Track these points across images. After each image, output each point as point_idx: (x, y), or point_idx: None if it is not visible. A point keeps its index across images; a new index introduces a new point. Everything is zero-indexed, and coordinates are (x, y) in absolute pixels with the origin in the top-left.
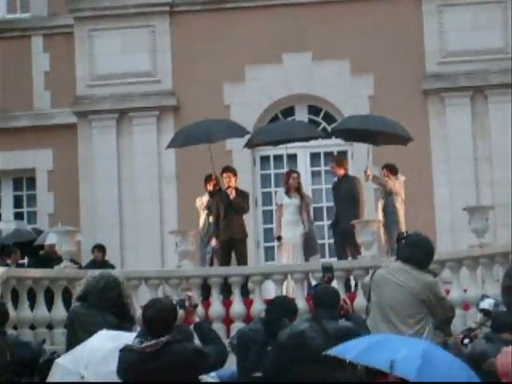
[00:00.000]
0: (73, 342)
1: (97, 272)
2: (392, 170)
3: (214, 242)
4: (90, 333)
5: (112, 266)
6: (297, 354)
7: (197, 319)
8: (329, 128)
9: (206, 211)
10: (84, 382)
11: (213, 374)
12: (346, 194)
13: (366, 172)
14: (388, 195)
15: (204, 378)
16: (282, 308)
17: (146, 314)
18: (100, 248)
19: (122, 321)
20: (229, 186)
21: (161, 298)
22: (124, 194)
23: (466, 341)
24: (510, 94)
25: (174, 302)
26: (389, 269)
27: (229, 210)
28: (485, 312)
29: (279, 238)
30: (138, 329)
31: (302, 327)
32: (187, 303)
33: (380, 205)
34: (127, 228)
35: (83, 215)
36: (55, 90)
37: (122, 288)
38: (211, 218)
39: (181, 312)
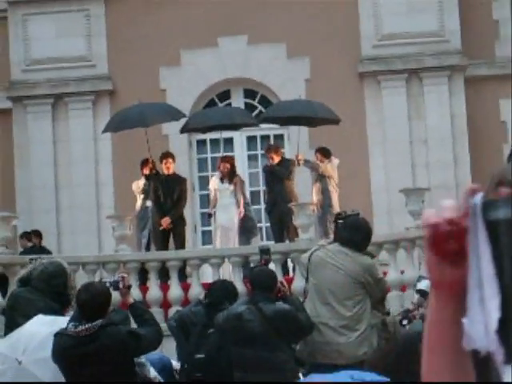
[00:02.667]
0: (11, 326)
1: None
2: (325, 153)
3: (166, 223)
4: (30, 317)
5: (49, 252)
6: (235, 337)
7: (131, 300)
8: (263, 113)
9: (142, 195)
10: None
11: (143, 358)
12: (282, 177)
13: (297, 157)
14: (321, 178)
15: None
16: (223, 291)
17: (79, 298)
18: (36, 234)
19: (63, 308)
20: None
21: (94, 281)
22: (60, 179)
23: (405, 322)
24: (445, 77)
25: (108, 284)
26: (327, 251)
27: (167, 194)
28: (421, 293)
29: (210, 216)
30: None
31: (239, 310)
32: (121, 284)
33: (315, 188)
34: (64, 213)
35: (19, 201)
36: None
37: (69, 278)
38: (148, 202)
39: (116, 294)
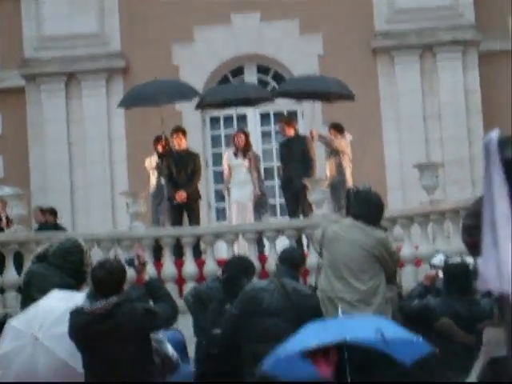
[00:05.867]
0: (27, 302)
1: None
2: (338, 129)
3: (181, 197)
4: (46, 293)
5: (64, 229)
6: (252, 308)
7: (147, 277)
8: (277, 88)
9: (156, 173)
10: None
11: (160, 335)
12: (299, 154)
13: (311, 133)
14: (335, 154)
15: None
16: (240, 266)
17: (94, 275)
18: (51, 211)
19: (79, 284)
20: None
21: (109, 258)
22: (74, 157)
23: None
24: (459, 51)
25: (123, 261)
26: (340, 225)
27: (180, 169)
28: (435, 267)
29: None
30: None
31: (262, 283)
32: (136, 261)
33: (329, 164)
34: (78, 191)
35: (33, 179)
36: (2, 53)
37: (85, 255)
38: (162, 180)
39: (131, 271)
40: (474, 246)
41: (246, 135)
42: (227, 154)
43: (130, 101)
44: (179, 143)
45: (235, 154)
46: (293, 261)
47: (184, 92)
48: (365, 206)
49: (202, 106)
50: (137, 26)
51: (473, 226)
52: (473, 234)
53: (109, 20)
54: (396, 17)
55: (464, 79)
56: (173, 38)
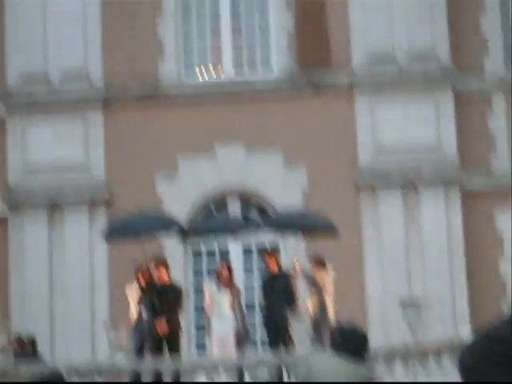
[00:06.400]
0: None
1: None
2: (320, 262)
3: (163, 327)
4: None
5: (43, 358)
6: None
7: None
8: (260, 221)
9: (139, 306)
10: None
11: None
12: (281, 289)
13: (294, 267)
14: (316, 288)
15: None
16: None
17: None
18: (31, 340)
19: None
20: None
21: None
22: (55, 286)
23: None
24: (441, 189)
25: None
26: (325, 362)
27: (163, 302)
28: None
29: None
30: None
31: None
32: None
33: (310, 297)
34: (58, 319)
35: (14, 307)
36: None
37: None
38: (144, 314)
39: None
40: None
41: (230, 269)
42: (210, 287)
43: (112, 234)
44: (161, 277)
45: (218, 287)
46: None
47: (165, 223)
48: (350, 343)
49: (184, 239)
50: (121, 156)
51: (472, 365)
52: (472, 375)
53: (93, 150)
54: (380, 154)
55: (446, 216)
56: (157, 169)
